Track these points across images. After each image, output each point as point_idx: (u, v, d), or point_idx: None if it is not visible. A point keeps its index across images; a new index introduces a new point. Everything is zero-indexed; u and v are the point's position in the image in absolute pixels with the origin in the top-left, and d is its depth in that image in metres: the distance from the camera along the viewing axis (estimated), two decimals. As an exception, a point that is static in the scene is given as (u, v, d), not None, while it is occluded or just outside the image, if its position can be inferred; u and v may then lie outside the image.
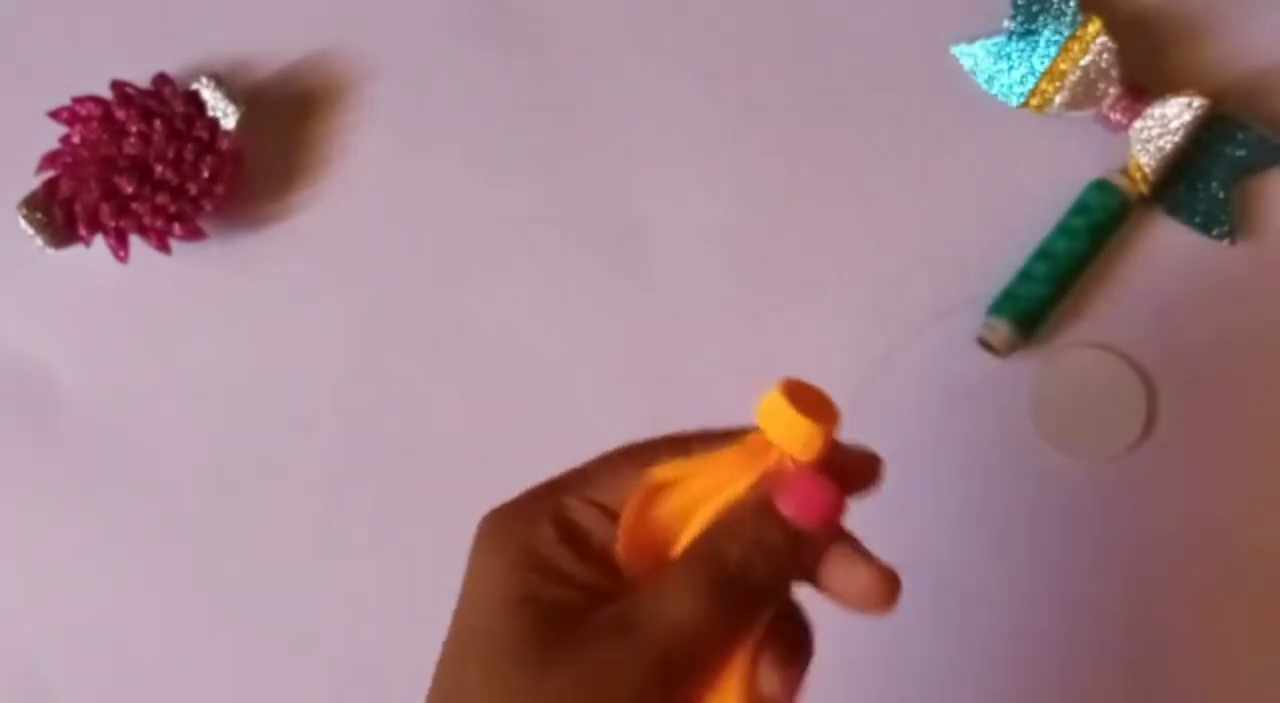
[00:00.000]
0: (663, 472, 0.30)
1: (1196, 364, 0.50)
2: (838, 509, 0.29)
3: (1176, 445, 0.49)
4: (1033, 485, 0.50)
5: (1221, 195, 0.50)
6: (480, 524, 0.31)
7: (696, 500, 0.30)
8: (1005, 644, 0.49)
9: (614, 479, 0.30)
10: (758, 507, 0.29)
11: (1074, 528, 0.49)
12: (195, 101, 0.52)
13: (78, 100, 0.52)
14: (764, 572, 0.28)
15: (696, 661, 0.28)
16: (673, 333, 0.51)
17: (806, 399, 0.29)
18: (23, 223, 0.52)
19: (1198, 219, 0.50)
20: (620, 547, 0.30)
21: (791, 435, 0.29)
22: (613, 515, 0.30)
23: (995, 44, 0.50)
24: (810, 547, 0.29)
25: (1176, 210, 0.50)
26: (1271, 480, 0.49)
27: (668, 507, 0.30)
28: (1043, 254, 0.49)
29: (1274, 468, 0.49)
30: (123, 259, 0.52)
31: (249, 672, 0.51)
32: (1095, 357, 0.50)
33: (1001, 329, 0.48)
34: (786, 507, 0.28)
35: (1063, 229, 0.49)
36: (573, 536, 0.30)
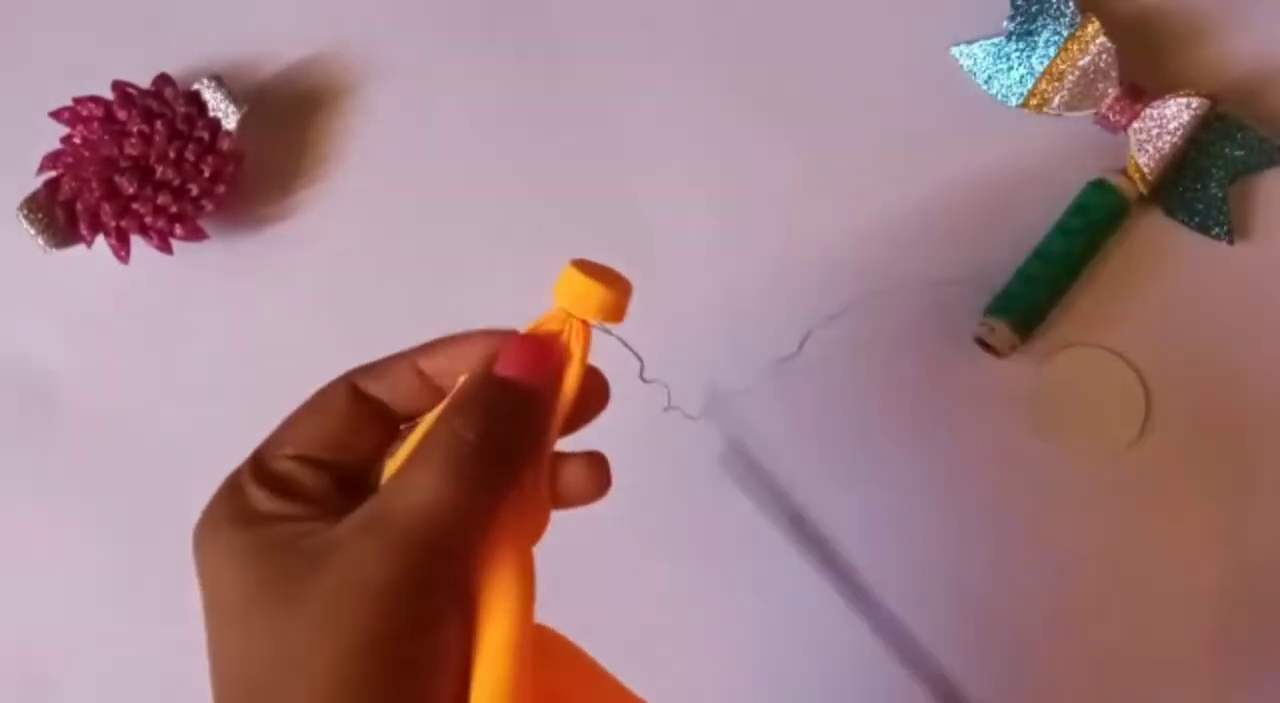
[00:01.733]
0: (391, 459, 0.30)
1: (1196, 364, 0.50)
2: (551, 360, 0.30)
3: (1176, 445, 0.49)
4: (1031, 485, 0.50)
5: (1220, 195, 0.50)
6: (195, 530, 0.30)
7: None
8: (1005, 645, 0.49)
9: (308, 423, 0.31)
10: (482, 377, 0.30)
11: (1073, 528, 0.49)
12: (196, 102, 0.52)
13: (79, 101, 0.53)
14: (500, 437, 0.29)
15: (453, 540, 0.28)
16: (673, 333, 0.51)
17: (599, 274, 0.31)
18: (24, 223, 0.52)
19: (1196, 219, 0.50)
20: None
21: (585, 301, 0.31)
22: (304, 461, 0.30)
23: (994, 44, 0.51)
24: (541, 403, 0.30)
25: (1175, 210, 0.50)
26: (1271, 480, 0.49)
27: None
28: (1041, 254, 0.49)
29: (1273, 467, 0.49)
30: (124, 259, 0.52)
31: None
32: (1095, 357, 0.50)
33: (1000, 329, 0.49)
34: (505, 367, 0.30)
35: (1061, 229, 0.49)
36: (270, 481, 0.30)
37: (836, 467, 0.50)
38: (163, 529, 0.53)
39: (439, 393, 0.31)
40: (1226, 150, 0.50)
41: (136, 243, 0.52)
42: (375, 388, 0.31)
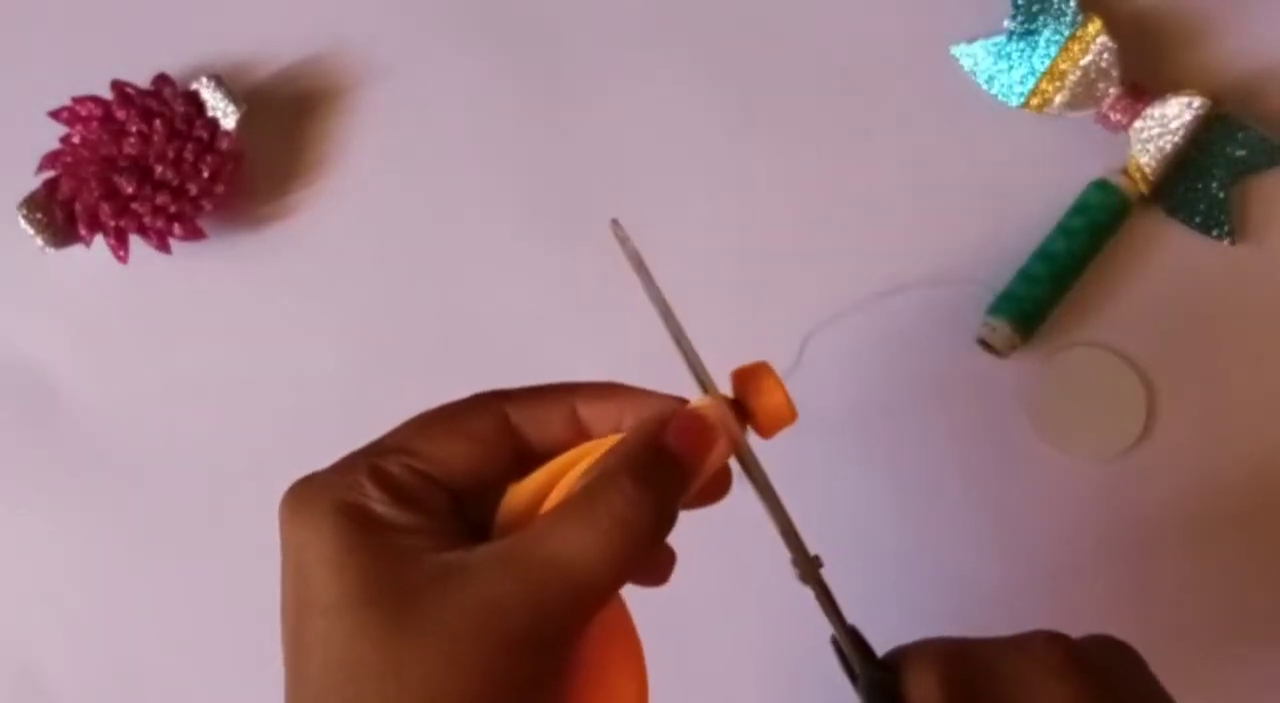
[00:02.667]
0: (524, 487, 0.30)
1: (1196, 364, 0.50)
2: (714, 446, 0.30)
3: (1176, 445, 0.49)
4: (1033, 485, 0.50)
5: (1221, 195, 0.50)
6: (285, 498, 0.29)
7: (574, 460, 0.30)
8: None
9: (446, 437, 0.30)
10: (656, 445, 0.29)
11: (1074, 528, 0.49)
12: (195, 102, 0.52)
13: (78, 100, 0.52)
14: (662, 510, 0.28)
15: (594, 599, 0.27)
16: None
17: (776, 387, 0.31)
18: (23, 223, 0.52)
19: (1197, 219, 0.50)
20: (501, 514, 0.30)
21: (769, 414, 0.30)
22: (428, 479, 0.29)
23: (995, 44, 0.50)
24: (694, 483, 0.29)
25: (1176, 210, 0.50)
26: (1271, 480, 0.49)
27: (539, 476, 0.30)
28: (1043, 254, 0.49)
29: (1273, 467, 0.49)
30: (123, 259, 0.52)
31: (248, 671, 0.51)
32: (1095, 357, 0.50)
33: (1001, 329, 0.48)
34: (680, 443, 0.29)
35: (1063, 229, 0.49)
36: (391, 487, 0.29)
37: (836, 467, 0.50)
38: (163, 528, 0.53)
39: (584, 436, 0.31)
40: (1227, 150, 0.50)
41: (135, 243, 0.52)
42: (525, 421, 0.30)
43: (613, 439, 0.30)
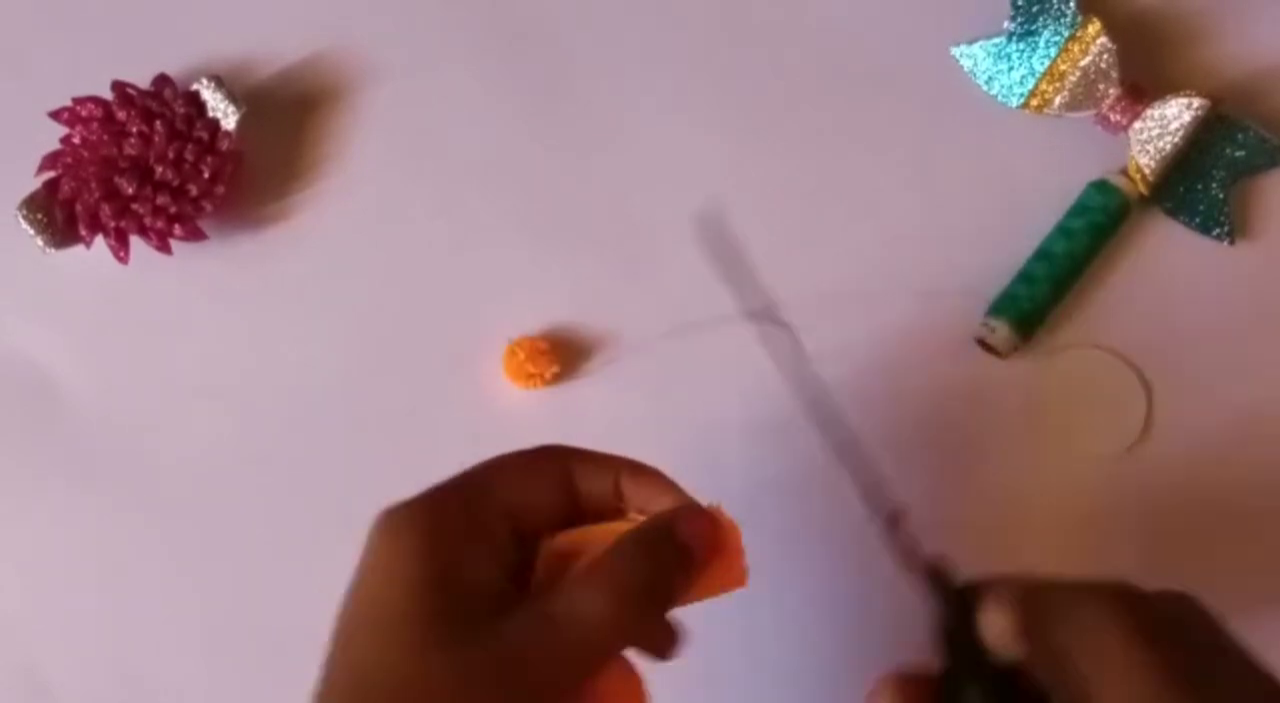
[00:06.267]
0: (566, 538, 0.34)
1: (1196, 365, 0.50)
2: (718, 548, 0.34)
3: (1176, 445, 0.49)
4: (1032, 486, 0.50)
5: (1221, 196, 0.50)
6: (383, 515, 0.33)
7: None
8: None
9: (523, 481, 0.34)
10: (662, 532, 0.33)
11: (1074, 528, 0.49)
12: (196, 102, 0.52)
13: (78, 101, 0.52)
14: (661, 586, 0.33)
15: (602, 651, 0.32)
16: (671, 336, 0.51)
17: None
18: (23, 223, 0.52)
19: (1197, 220, 0.50)
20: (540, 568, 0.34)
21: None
22: (517, 516, 0.33)
23: (995, 45, 0.51)
24: (696, 568, 0.34)
25: (1176, 211, 0.50)
26: (1271, 480, 0.49)
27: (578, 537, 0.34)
28: (1042, 255, 0.49)
29: (1273, 467, 0.49)
30: (123, 260, 0.52)
31: (249, 671, 0.51)
32: (1095, 357, 0.50)
33: (1001, 330, 0.49)
34: (693, 538, 0.33)
35: (1062, 230, 0.49)
36: (480, 534, 0.33)
37: (834, 467, 0.50)
38: (162, 528, 0.53)
39: (620, 502, 0.35)
40: (1227, 151, 0.50)
41: (136, 243, 0.52)
42: (583, 478, 0.35)
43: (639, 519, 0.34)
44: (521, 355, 0.51)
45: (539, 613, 0.31)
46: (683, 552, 0.33)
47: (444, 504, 0.33)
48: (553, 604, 0.31)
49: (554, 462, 0.35)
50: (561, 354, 0.51)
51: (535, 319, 0.52)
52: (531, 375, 0.50)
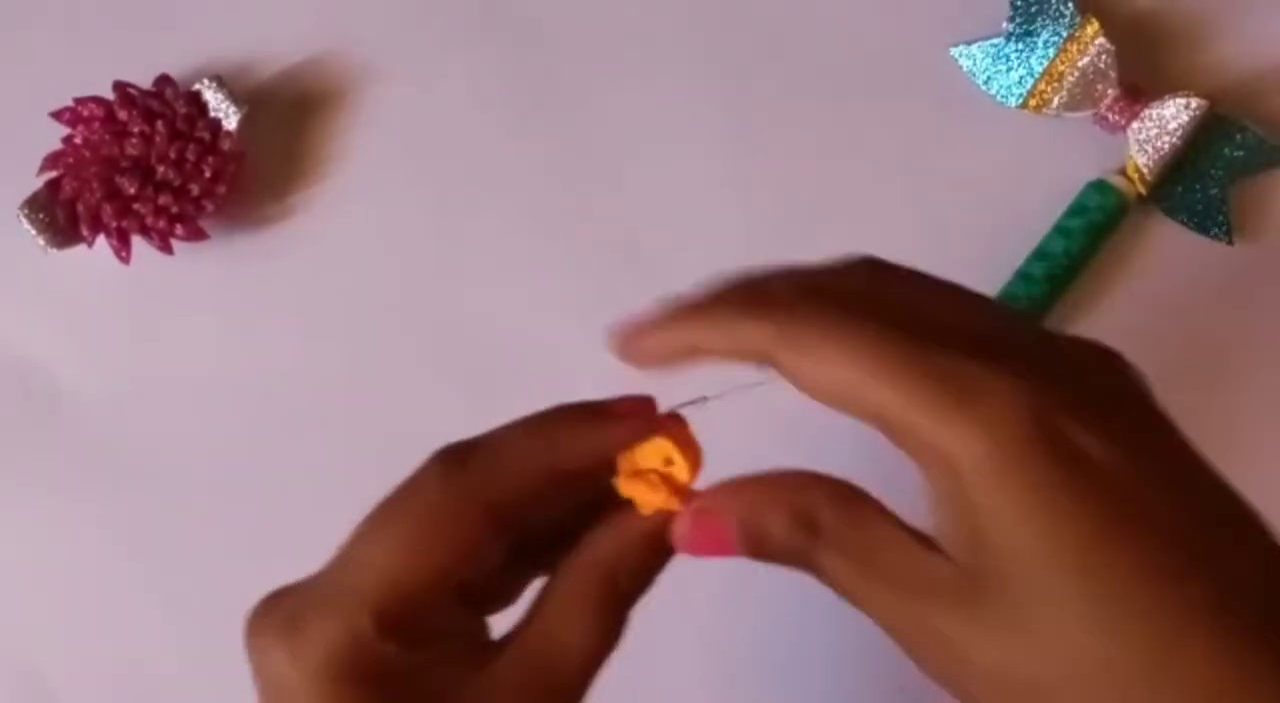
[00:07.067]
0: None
1: (1195, 365, 0.50)
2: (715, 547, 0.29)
3: (1174, 445, 0.49)
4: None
5: (1219, 196, 0.50)
6: (267, 635, 0.28)
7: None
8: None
9: (420, 565, 0.27)
10: (651, 542, 0.29)
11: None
12: (197, 102, 0.52)
13: (80, 101, 0.53)
14: (641, 589, 0.29)
15: (593, 677, 0.28)
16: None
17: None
18: (25, 223, 0.52)
19: (1195, 220, 0.50)
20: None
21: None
22: (436, 592, 0.27)
23: (993, 45, 0.51)
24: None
25: (1174, 211, 0.50)
26: (1272, 480, 0.49)
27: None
28: (1040, 255, 0.49)
29: (1274, 468, 0.49)
30: (125, 259, 0.52)
31: (248, 671, 0.51)
32: (1093, 357, 0.50)
33: (1000, 329, 0.49)
34: (689, 544, 0.29)
35: (1060, 230, 0.49)
36: (390, 626, 0.27)
37: (834, 466, 0.50)
38: (163, 529, 0.53)
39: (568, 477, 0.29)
40: (1226, 151, 0.50)
41: (137, 243, 0.52)
42: (510, 498, 0.29)
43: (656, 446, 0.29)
44: None
45: (526, 666, 0.27)
46: (669, 556, 0.29)
47: (359, 642, 0.26)
48: (541, 646, 0.28)
49: (460, 515, 0.28)
50: (561, 354, 0.51)
51: (535, 318, 0.52)
52: None
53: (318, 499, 0.52)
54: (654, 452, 0.30)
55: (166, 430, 0.53)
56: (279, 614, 0.28)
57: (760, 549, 0.27)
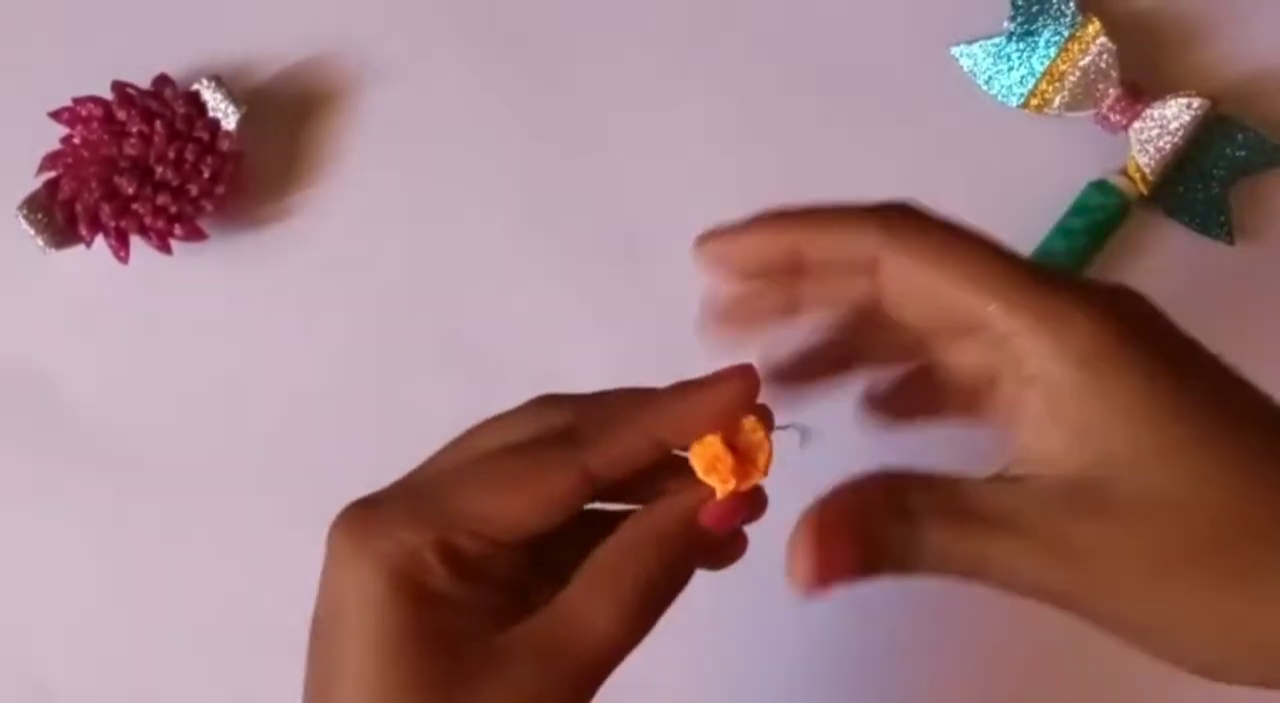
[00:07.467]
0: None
1: (1195, 364, 0.50)
2: (745, 517, 0.30)
3: (1176, 446, 0.49)
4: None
5: (1220, 196, 0.50)
6: (339, 530, 0.29)
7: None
8: (1013, 648, 0.49)
9: (503, 510, 0.28)
10: (683, 528, 0.29)
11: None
12: (196, 102, 0.52)
13: (78, 101, 0.53)
14: (678, 583, 0.29)
15: (615, 661, 0.28)
16: (673, 336, 0.51)
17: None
18: (23, 223, 0.52)
19: (1196, 220, 0.50)
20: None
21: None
22: (498, 545, 0.28)
23: (994, 45, 0.51)
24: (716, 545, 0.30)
25: (1175, 211, 0.50)
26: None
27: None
28: (1041, 254, 0.49)
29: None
30: (123, 259, 0.52)
31: (249, 672, 0.51)
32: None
33: (1001, 329, 0.49)
34: (717, 522, 0.29)
35: (1061, 230, 0.49)
36: (456, 561, 0.28)
37: (838, 472, 0.50)
38: (163, 530, 0.53)
39: (666, 453, 0.30)
40: (1227, 151, 0.50)
41: (136, 243, 0.52)
42: (606, 468, 0.29)
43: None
44: None
45: (537, 646, 0.27)
46: (706, 540, 0.29)
47: (420, 546, 0.28)
48: (556, 630, 0.27)
49: (559, 467, 0.29)
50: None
51: (535, 318, 0.52)
52: None
53: (318, 498, 0.52)
54: (749, 428, 0.30)
55: (165, 430, 0.53)
56: (359, 523, 0.29)
57: (878, 558, 0.26)
